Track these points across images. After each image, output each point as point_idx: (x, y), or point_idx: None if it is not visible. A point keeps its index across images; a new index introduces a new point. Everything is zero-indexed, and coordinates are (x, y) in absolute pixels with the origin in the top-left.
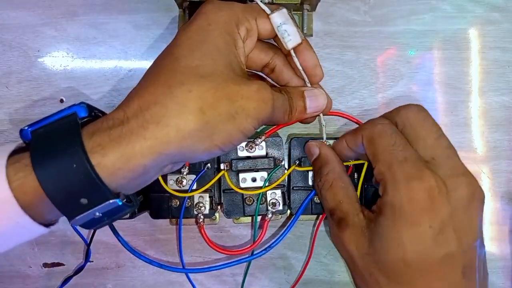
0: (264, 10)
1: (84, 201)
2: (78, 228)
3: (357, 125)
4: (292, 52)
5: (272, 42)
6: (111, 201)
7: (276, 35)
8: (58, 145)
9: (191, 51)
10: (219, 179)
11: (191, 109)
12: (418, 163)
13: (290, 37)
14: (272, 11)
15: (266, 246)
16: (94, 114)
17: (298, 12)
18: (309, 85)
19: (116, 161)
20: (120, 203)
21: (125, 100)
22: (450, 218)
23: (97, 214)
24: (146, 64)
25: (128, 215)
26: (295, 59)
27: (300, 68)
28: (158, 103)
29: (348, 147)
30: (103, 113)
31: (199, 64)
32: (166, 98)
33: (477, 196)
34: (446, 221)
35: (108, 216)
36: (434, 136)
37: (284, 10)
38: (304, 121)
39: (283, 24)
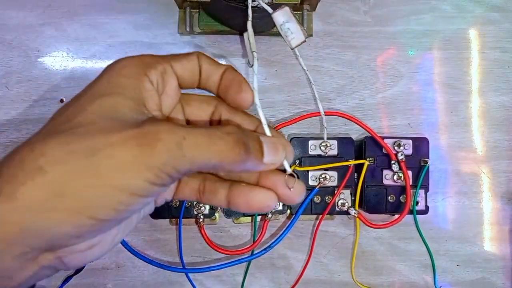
0: (181, 54)
1: None
2: None
3: (357, 125)
4: (296, 51)
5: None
6: None
7: (200, 78)
8: None
9: (64, 109)
10: None
11: (28, 171)
12: None
13: (294, 35)
14: (275, 10)
15: (266, 246)
16: None
17: (298, 12)
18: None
19: None
20: None
21: None
22: None
23: None
24: None
25: None
26: (299, 59)
27: (304, 66)
28: (3, 166)
29: None
30: None
31: (63, 120)
32: (4, 164)
33: None
34: None
35: None
36: None
37: (287, 8)
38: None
39: (286, 23)
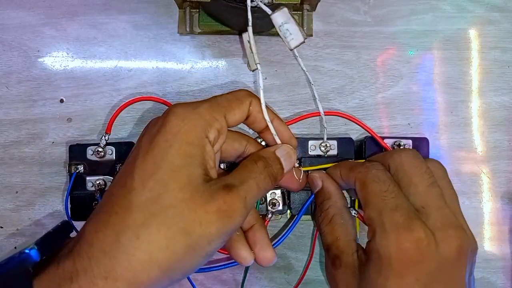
0: (235, 102)
1: None
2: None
3: (357, 125)
4: (295, 51)
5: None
6: None
7: (247, 118)
8: None
9: (143, 182)
10: None
11: (139, 259)
12: (409, 212)
13: (292, 36)
14: (273, 11)
15: None
16: (49, 246)
17: (298, 12)
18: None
19: None
20: None
21: (79, 237)
22: (438, 271)
23: None
24: (146, 64)
25: None
26: (299, 59)
27: (303, 66)
28: (106, 254)
29: (342, 179)
30: (59, 235)
31: (150, 196)
32: (113, 248)
33: (465, 250)
34: (434, 274)
35: None
36: (426, 183)
37: (285, 10)
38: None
39: (284, 24)
